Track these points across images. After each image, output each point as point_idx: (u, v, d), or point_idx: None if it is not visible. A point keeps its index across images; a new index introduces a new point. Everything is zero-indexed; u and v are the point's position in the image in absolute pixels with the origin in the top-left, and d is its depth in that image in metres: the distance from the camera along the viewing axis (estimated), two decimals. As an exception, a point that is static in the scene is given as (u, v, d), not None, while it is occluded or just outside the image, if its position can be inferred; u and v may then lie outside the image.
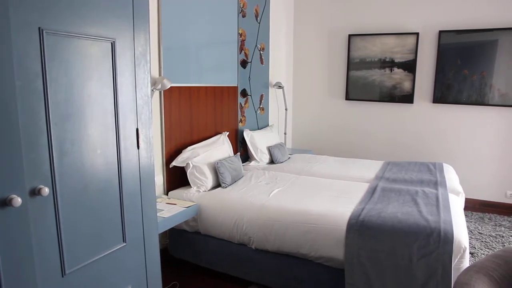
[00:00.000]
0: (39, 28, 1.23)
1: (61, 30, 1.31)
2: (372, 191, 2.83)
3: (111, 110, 1.55)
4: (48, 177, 1.30)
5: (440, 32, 4.25)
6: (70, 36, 1.35)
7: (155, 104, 2.80)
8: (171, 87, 2.82)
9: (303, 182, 3.13)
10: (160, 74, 2.81)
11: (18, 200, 1.16)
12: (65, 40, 1.33)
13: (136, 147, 1.70)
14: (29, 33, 1.21)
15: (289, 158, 4.17)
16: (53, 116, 1.30)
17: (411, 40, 4.41)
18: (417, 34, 4.37)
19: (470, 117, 4.28)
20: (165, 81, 2.65)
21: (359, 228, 2.22)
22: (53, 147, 1.30)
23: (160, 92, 2.83)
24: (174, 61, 2.93)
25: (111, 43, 1.53)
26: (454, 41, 4.20)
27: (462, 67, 4.20)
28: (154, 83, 2.66)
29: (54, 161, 1.31)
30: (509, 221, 3.88)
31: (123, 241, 1.67)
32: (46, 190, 1.26)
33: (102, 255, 1.56)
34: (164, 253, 2.88)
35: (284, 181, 3.14)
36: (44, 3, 1.25)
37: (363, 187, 2.98)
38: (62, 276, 1.38)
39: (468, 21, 4.13)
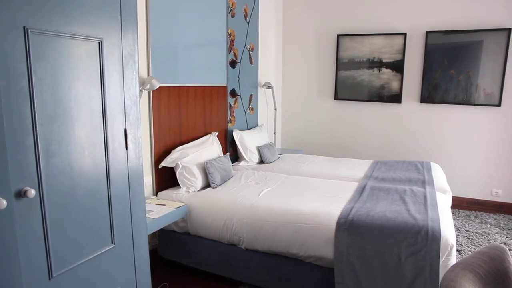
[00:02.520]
0: (24, 27, 1.21)
1: (47, 29, 1.29)
2: (361, 190, 2.85)
3: (98, 111, 1.54)
4: (34, 178, 1.28)
5: (427, 32, 4.31)
6: (57, 35, 1.33)
7: (143, 105, 2.78)
8: (160, 87, 2.81)
9: (292, 182, 3.14)
10: (148, 74, 2.79)
11: (3, 203, 1.14)
12: (51, 39, 1.32)
13: (125, 148, 1.69)
14: (13, 32, 1.19)
15: (278, 158, 4.18)
16: (39, 117, 1.28)
17: (399, 40, 4.46)
18: (405, 34, 4.42)
19: (457, 117, 4.35)
20: (153, 81, 2.63)
21: (348, 227, 2.24)
22: (39, 148, 1.29)
23: (148, 92, 2.81)
24: (162, 61, 2.91)
25: (99, 43, 1.51)
26: (441, 41, 4.26)
27: (448, 67, 4.26)
28: (142, 83, 2.64)
29: (41, 163, 1.30)
30: (495, 219, 3.95)
31: (112, 243, 1.65)
32: (32, 192, 1.24)
33: (90, 257, 1.54)
34: (154, 254, 2.87)
35: (274, 181, 3.15)
36: (29, 1, 1.23)
37: (352, 187, 3.00)
38: (49, 279, 1.36)
39: (454, 22, 4.20)
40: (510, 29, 3.94)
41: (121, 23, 1.61)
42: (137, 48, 1.73)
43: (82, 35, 1.43)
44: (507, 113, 4.12)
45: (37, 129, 1.28)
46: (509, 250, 3.18)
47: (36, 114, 1.27)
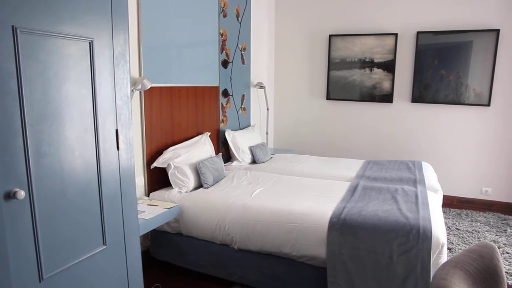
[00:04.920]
0: (12, 26, 1.20)
1: (36, 28, 1.28)
2: (353, 190, 2.87)
3: (89, 111, 1.53)
4: (24, 180, 1.27)
5: (418, 33, 4.34)
6: (46, 35, 1.32)
7: (135, 105, 2.76)
8: (151, 87, 2.79)
9: (285, 182, 3.14)
10: (140, 74, 2.77)
11: (-8, 204, 1.13)
12: (41, 39, 1.31)
13: (116, 148, 1.68)
14: (2, 32, 1.17)
15: (271, 158, 4.19)
16: (28, 118, 1.27)
17: (390, 40, 4.49)
18: (396, 34, 4.45)
19: (447, 116, 4.39)
20: (145, 81, 2.62)
21: (341, 227, 2.25)
22: (29, 149, 1.27)
23: (140, 93, 2.79)
24: (154, 61, 2.90)
25: (89, 42, 1.50)
26: (432, 42, 4.30)
27: (439, 67, 4.30)
28: (134, 83, 2.63)
29: (30, 164, 1.28)
30: (485, 217, 4.00)
31: (103, 244, 1.64)
32: (21, 193, 1.23)
33: (82, 258, 1.53)
34: (146, 255, 2.85)
35: (266, 181, 3.15)
36: (18, 1, 1.22)
37: (344, 186, 3.02)
38: (40, 281, 1.35)
39: (444, 23, 4.24)
40: (499, 30, 3.99)
41: (112, 23, 1.61)
42: (128, 48, 1.72)
43: (72, 35, 1.42)
44: (496, 112, 4.18)
45: (27, 130, 1.26)
46: (499, 247, 3.22)
47: (25, 114, 1.26)
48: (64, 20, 1.39)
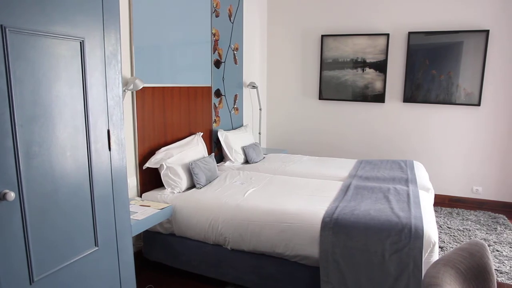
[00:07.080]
0: (1, 26, 1.18)
1: (26, 28, 1.27)
2: (345, 189, 2.88)
3: (80, 111, 1.51)
4: (14, 181, 1.25)
5: (410, 33, 4.38)
6: (36, 34, 1.31)
7: (127, 105, 2.74)
8: (143, 87, 2.78)
9: (277, 182, 3.15)
10: (132, 74, 2.76)
11: (-19, 206, 1.11)
12: (31, 38, 1.29)
13: (108, 149, 1.66)
14: (-9, 32, 1.16)
15: (263, 158, 4.19)
16: (18, 118, 1.25)
17: (382, 40, 4.52)
18: (388, 35, 4.48)
19: (439, 116, 4.43)
20: (137, 81, 2.60)
21: (333, 226, 2.26)
22: (19, 150, 1.26)
23: (132, 93, 2.78)
24: (146, 61, 2.88)
25: (80, 42, 1.49)
26: (423, 42, 4.34)
27: (430, 67, 4.34)
28: (125, 83, 2.61)
29: (21, 165, 1.27)
30: (475, 215, 4.04)
31: (95, 245, 1.63)
32: (11, 195, 1.21)
33: (73, 260, 1.52)
34: (139, 256, 2.84)
35: (259, 181, 3.15)
36: (7, 0, 1.20)
37: (337, 186, 3.03)
38: (30, 284, 1.34)
39: (435, 23, 4.28)
40: (488, 30, 4.04)
41: (103, 23, 1.59)
42: (120, 47, 1.71)
43: (63, 35, 1.41)
44: (487, 112, 4.22)
45: (17, 130, 1.25)
46: (489, 245, 3.26)
47: (15, 115, 1.24)
48: (54, 20, 1.37)
